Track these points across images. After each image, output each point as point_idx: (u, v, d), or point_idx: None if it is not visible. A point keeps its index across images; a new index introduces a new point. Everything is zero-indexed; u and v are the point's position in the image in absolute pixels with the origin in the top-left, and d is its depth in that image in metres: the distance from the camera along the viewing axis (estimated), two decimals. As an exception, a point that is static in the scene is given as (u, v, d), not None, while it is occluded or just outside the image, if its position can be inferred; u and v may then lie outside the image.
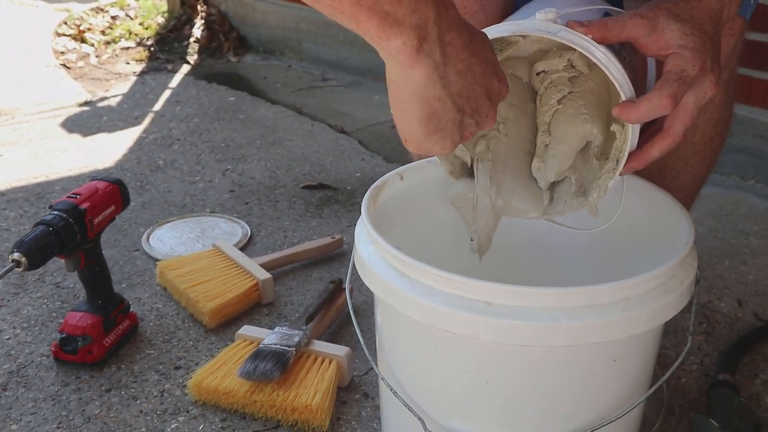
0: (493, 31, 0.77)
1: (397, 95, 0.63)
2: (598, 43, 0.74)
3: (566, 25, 0.75)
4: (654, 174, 0.91)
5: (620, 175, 0.79)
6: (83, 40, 2.84)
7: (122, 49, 2.76)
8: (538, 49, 0.90)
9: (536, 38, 0.84)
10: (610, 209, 0.89)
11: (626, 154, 0.78)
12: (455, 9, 0.61)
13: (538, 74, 0.89)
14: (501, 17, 1.02)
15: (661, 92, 0.72)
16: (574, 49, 0.79)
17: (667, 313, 0.73)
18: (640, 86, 0.82)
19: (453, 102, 0.63)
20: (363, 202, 0.84)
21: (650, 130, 0.80)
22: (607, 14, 0.84)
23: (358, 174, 1.80)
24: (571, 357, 0.73)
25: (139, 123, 2.10)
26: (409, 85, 0.61)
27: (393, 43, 0.58)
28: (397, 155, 1.89)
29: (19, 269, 1.00)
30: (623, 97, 0.75)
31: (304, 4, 0.60)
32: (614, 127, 0.81)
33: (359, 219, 0.85)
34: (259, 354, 1.05)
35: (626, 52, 0.80)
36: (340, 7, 0.56)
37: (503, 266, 0.96)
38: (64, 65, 2.58)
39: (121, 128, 2.07)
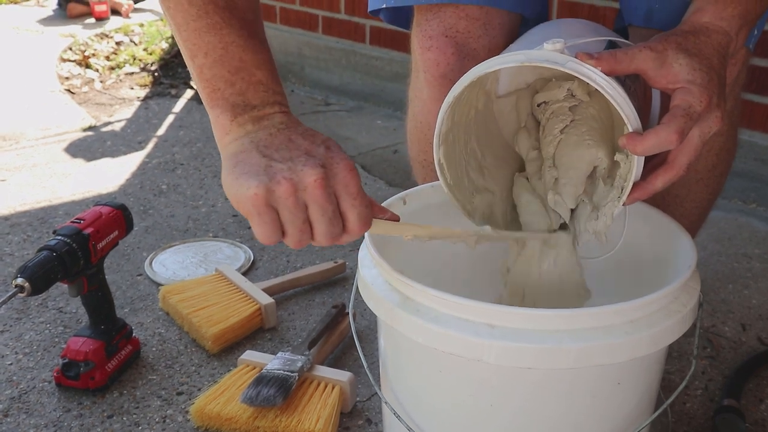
0: (501, 62, 0.77)
1: (222, 158, 0.74)
2: (607, 75, 0.74)
3: (575, 56, 0.74)
4: (657, 202, 0.91)
5: (624, 205, 0.79)
6: (88, 66, 2.86)
7: (126, 74, 2.79)
8: (539, 77, 0.90)
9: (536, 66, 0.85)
10: (614, 235, 0.89)
11: (630, 184, 0.78)
12: (287, 111, 0.76)
13: (539, 105, 0.90)
14: (505, 44, 1.02)
15: (669, 127, 0.72)
16: (574, 78, 0.79)
17: (670, 336, 0.73)
18: (644, 116, 0.82)
19: (258, 151, 0.71)
20: (366, 226, 0.84)
21: (653, 160, 0.80)
22: (612, 43, 0.85)
23: (360, 198, 1.80)
24: (574, 379, 0.73)
25: (142, 148, 2.11)
26: (225, 148, 0.74)
27: (215, 111, 0.75)
28: (400, 179, 1.89)
29: (22, 294, 1.01)
30: (630, 129, 0.74)
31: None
32: (618, 156, 0.82)
33: (362, 243, 0.85)
34: (262, 379, 1.05)
35: (630, 81, 0.80)
36: (192, 70, 0.76)
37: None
38: (68, 90, 2.60)
39: (125, 153, 2.08)
